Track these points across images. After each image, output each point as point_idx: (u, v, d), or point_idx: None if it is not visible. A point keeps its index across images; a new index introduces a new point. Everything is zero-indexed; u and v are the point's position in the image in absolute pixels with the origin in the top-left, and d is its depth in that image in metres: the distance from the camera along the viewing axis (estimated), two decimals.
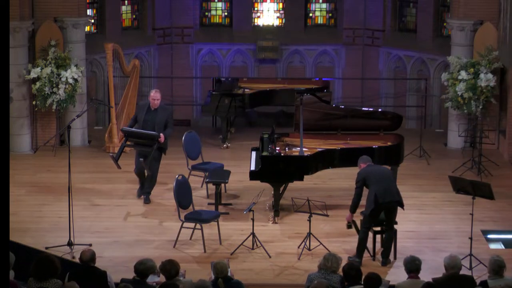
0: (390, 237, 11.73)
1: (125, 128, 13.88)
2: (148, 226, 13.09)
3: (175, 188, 12.30)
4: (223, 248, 12.26)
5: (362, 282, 9.06)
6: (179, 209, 12.32)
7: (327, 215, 12.02)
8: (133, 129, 13.76)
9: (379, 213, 11.69)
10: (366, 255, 11.85)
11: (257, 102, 17.87)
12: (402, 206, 11.79)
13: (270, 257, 11.96)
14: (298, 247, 12.21)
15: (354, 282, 9.12)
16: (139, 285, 9.11)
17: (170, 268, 9.15)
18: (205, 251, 12.10)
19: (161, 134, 13.49)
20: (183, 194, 12.42)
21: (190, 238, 12.44)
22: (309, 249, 12.09)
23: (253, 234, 12.19)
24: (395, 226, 11.94)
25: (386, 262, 11.69)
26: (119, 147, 14.09)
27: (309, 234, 12.11)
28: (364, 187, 11.80)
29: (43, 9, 16.92)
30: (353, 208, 11.81)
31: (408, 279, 9.38)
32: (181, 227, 12.30)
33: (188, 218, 12.29)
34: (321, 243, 12.04)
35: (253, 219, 12.17)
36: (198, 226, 12.27)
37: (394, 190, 11.71)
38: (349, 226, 11.89)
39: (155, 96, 13.76)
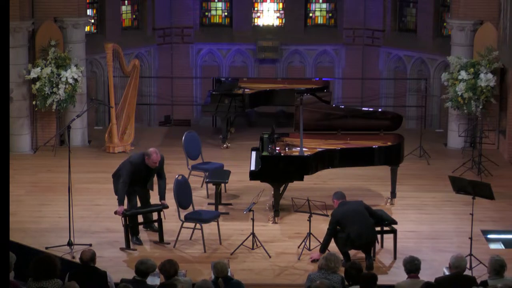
0: (371, 263, 11.52)
1: (131, 211, 12.32)
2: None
3: (175, 188, 12.29)
4: (223, 248, 12.26)
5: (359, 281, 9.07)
6: (179, 209, 12.32)
7: (327, 215, 12.01)
8: (138, 210, 12.42)
9: (354, 249, 11.63)
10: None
11: (257, 102, 17.86)
12: (376, 240, 11.73)
13: (270, 257, 11.95)
14: (298, 247, 12.21)
15: (355, 281, 9.12)
16: (139, 285, 9.12)
17: (169, 268, 9.16)
18: (205, 251, 12.10)
19: (164, 202, 12.41)
20: (183, 194, 12.41)
21: (190, 238, 12.44)
22: (309, 249, 12.08)
23: (253, 234, 12.19)
24: (395, 226, 11.94)
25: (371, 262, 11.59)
26: (124, 231, 12.19)
27: (309, 234, 12.11)
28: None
29: (43, 9, 16.93)
30: (324, 249, 11.53)
31: (407, 279, 9.38)
32: (181, 227, 12.31)
33: (188, 218, 12.29)
34: (321, 243, 12.01)
35: (253, 219, 12.17)
36: (198, 226, 12.27)
37: (369, 228, 11.49)
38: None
39: (156, 159, 12.25)
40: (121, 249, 12.16)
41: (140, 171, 12.35)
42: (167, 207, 12.46)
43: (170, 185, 12.67)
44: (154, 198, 12.74)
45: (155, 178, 12.68)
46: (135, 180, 12.36)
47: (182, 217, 12.28)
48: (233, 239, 12.52)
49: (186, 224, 12.30)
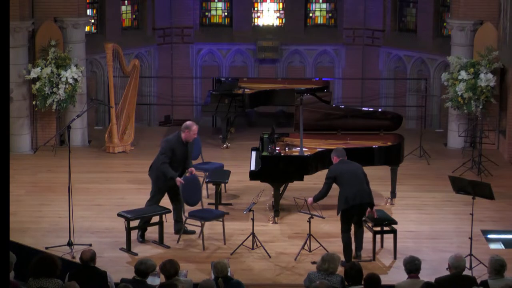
0: (360, 234, 11.78)
1: (135, 216, 12.25)
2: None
3: (181, 186, 12.28)
4: (223, 248, 12.25)
5: (363, 282, 9.06)
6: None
7: (323, 217, 12.02)
8: (142, 215, 12.32)
9: (351, 214, 11.58)
10: (366, 256, 11.87)
11: (257, 102, 17.87)
12: (372, 206, 11.72)
13: (270, 257, 11.95)
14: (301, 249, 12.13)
15: (354, 282, 9.12)
16: (139, 285, 9.12)
17: (170, 268, 9.16)
18: (203, 249, 12.10)
19: (192, 169, 12.65)
20: (190, 191, 12.40)
21: (199, 236, 12.38)
22: (310, 251, 12.04)
23: (253, 234, 12.19)
24: (395, 226, 11.94)
25: (358, 254, 11.74)
26: (126, 234, 12.12)
27: (309, 235, 12.05)
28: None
29: (43, 9, 16.93)
30: (317, 199, 11.84)
31: (408, 279, 9.38)
32: (185, 222, 12.31)
33: (191, 216, 12.30)
34: (321, 245, 11.98)
35: (253, 219, 12.16)
36: (197, 224, 12.28)
37: (364, 191, 11.60)
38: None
39: (197, 129, 12.62)
40: (121, 249, 12.15)
41: (178, 149, 12.44)
42: (169, 211, 12.50)
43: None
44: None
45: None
46: (174, 162, 12.39)
47: (186, 213, 12.29)
48: (233, 239, 12.52)
49: (190, 221, 12.31)
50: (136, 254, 11.96)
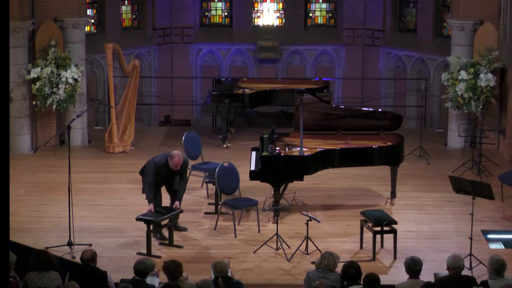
0: None
1: (157, 220, 12.22)
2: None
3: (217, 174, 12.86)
4: (223, 248, 12.25)
5: (362, 282, 9.06)
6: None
7: (318, 221, 12.01)
8: (161, 217, 12.22)
9: None
10: (366, 256, 11.87)
11: (257, 102, 17.86)
12: None
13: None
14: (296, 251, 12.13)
15: (353, 281, 9.11)
16: (138, 285, 9.12)
17: (175, 269, 9.12)
18: (235, 237, 12.49)
19: (177, 205, 12.46)
20: (227, 180, 12.98)
21: (238, 224, 12.74)
22: (307, 253, 12.01)
23: (278, 235, 12.17)
24: (395, 226, 11.93)
25: None
26: (147, 237, 11.97)
27: (307, 237, 12.03)
28: None
29: (43, 9, 16.93)
30: None
31: (408, 279, 9.37)
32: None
33: (224, 204, 12.88)
34: (317, 249, 11.92)
35: (277, 220, 12.22)
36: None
37: None
38: None
39: (178, 163, 12.24)
40: (138, 253, 11.93)
41: (163, 172, 12.36)
42: (181, 211, 12.52)
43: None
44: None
45: None
46: (159, 181, 12.43)
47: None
48: (235, 239, 12.52)
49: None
50: (159, 257, 11.77)
